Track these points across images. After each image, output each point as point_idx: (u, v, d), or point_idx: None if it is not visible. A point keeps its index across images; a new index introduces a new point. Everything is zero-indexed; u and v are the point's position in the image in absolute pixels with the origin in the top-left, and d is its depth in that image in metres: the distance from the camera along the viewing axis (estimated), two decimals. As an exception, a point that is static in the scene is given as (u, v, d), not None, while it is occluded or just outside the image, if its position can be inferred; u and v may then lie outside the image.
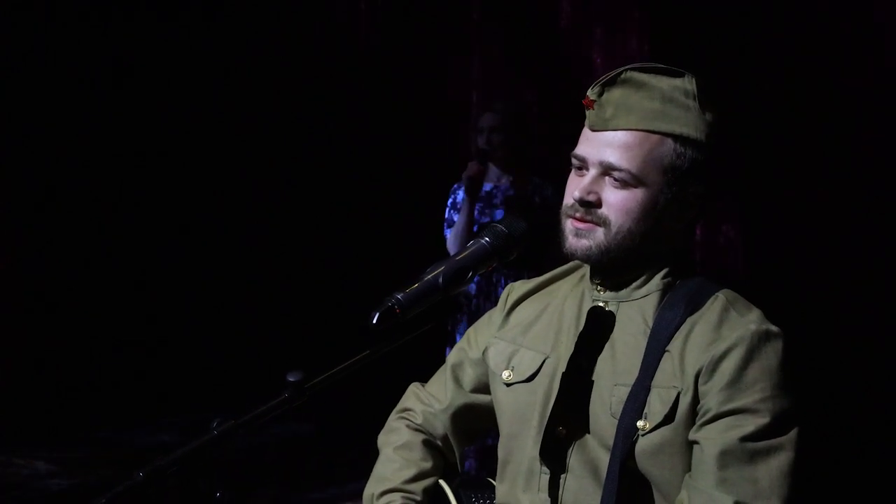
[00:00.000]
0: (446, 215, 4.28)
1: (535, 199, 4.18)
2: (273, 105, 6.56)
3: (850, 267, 4.26)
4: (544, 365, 1.68)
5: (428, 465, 1.78)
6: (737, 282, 1.62)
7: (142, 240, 6.47)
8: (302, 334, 6.04)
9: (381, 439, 1.85)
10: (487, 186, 4.24)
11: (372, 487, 1.77)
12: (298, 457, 5.54)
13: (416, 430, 1.82)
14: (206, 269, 6.55)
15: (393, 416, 1.88)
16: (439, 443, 1.82)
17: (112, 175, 6.39)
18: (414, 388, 1.90)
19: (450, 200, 4.28)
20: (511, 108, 4.30)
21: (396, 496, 1.73)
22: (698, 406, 1.54)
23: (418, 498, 1.74)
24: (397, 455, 1.78)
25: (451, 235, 4.19)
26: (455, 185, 4.27)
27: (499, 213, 4.17)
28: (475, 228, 4.12)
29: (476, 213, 4.18)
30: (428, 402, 1.84)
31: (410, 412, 1.85)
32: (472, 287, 4.10)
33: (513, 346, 1.74)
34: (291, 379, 1.34)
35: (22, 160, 6.13)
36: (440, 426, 1.82)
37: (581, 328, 1.65)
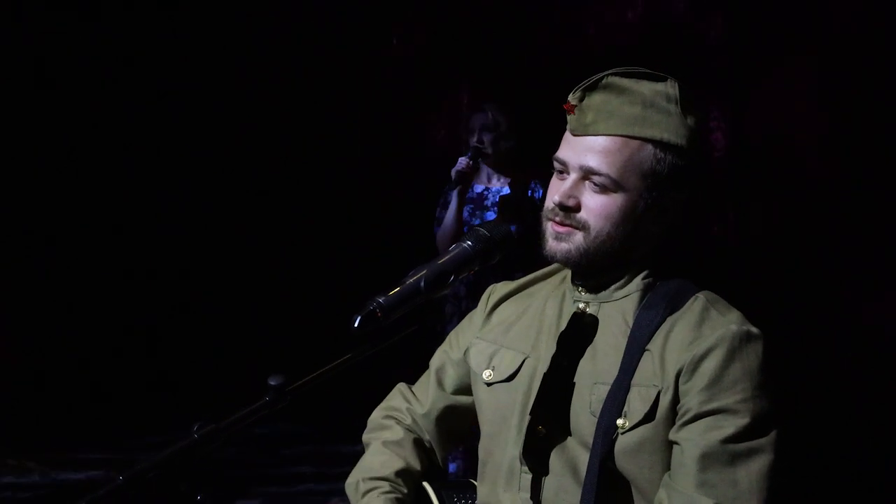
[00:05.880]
0: (437, 214, 4.28)
1: (528, 201, 4.18)
2: (267, 110, 6.56)
3: (836, 268, 4.27)
4: (524, 365, 1.68)
5: (415, 462, 1.78)
6: (716, 283, 1.63)
7: (136, 243, 6.47)
8: (289, 337, 6.05)
9: (369, 436, 1.85)
10: (479, 188, 4.24)
11: (357, 475, 1.77)
12: (289, 454, 5.55)
13: (406, 428, 1.83)
14: (197, 273, 6.56)
15: (379, 413, 1.88)
16: (426, 444, 1.83)
17: (111, 175, 6.39)
18: (401, 387, 1.90)
19: (441, 200, 4.28)
20: (502, 108, 4.30)
21: (384, 484, 1.73)
22: (678, 405, 1.55)
23: (404, 490, 1.74)
24: (386, 449, 1.79)
25: (439, 233, 4.20)
26: (447, 187, 4.27)
27: (489, 216, 4.16)
28: (465, 230, 4.10)
29: (467, 215, 4.18)
30: (413, 403, 1.84)
31: (398, 411, 1.85)
32: (462, 288, 4.11)
33: (494, 346, 1.74)
34: (273, 382, 1.35)
35: (22, 160, 6.13)
36: (424, 429, 1.82)
37: (562, 329, 1.66)
